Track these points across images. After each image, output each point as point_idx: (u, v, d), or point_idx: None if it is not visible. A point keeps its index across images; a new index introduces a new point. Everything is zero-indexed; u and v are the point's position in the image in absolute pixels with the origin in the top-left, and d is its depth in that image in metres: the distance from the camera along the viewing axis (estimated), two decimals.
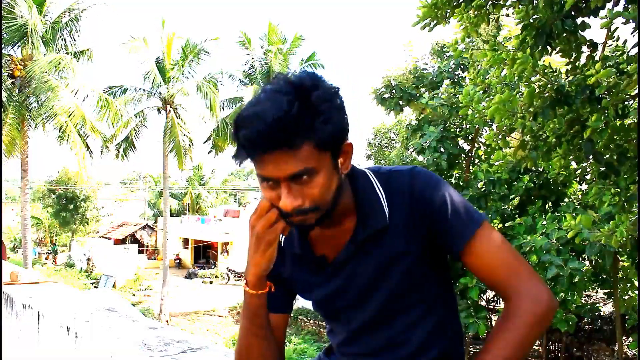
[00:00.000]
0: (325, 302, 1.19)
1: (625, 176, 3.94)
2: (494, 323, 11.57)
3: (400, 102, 9.49)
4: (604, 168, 3.93)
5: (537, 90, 3.85)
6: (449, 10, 4.03)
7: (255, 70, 22.21)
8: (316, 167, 0.95)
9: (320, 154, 0.95)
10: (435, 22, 4.07)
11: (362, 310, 1.15)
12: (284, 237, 1.16)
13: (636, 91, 3.62)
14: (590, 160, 4.11)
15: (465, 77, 9.76)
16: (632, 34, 3.55)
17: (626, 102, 3.85)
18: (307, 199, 0.97)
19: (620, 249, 5.95)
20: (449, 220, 1.06)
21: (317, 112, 0.93)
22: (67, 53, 17.27)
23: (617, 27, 3.82)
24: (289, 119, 0.90)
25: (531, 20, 3.57)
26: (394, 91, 9.48)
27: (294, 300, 1.27)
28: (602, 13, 3.51)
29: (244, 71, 22.53)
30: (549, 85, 3.81)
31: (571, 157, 4.13)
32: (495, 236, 1.07)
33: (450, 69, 9.87)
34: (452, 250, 1.08)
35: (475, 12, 4.00)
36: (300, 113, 0.91)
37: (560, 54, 3.86)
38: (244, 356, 1.17)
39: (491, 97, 4.99)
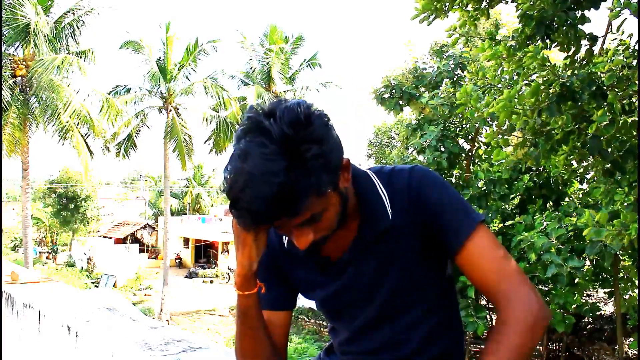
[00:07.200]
0: (328, 301, 1.19)
1: (630, 174, 3.89)
2: (494, 322, 11.54)
3: (400, 102, 9.46)
4: (609, 165, 3.87)
5: (542, 86, 3.78)
6: (447, 4, 3.99)
7: (255, 70, 22.21)
8: (322, 209, 0.94)
9: (323, 197, 0.92)
10: (434, 15, 4.00)
11: (365, 309, 1.15)
12: (287, 238, 1.15)
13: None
14: (593, 159, 4.06)
15: (464, 76, 9.74)
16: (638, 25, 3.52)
17: (632, 99, 3.81)
18: (318, 233, 0.99)
19: (621, 250, 5.95)
20: (445, 220, 1.06)
21: (314, 170, 0.87)
22: (69, 53, 17.26)
23: (626, 19, 3.73)
24: (287, 193, 0.85)
25: (534, 13, 3.51)
26: (393, 91, 9.46)
27: (297, 298, 1.27)
28: (604, 5, 3.49)
29: (244, 72, 22.54)
30: (555, 81, 3.74)
31: (576, 154, 4.07)
32: (489, 239, 1.05)
33: (450, 69, 9.86)
34: (448, 251, 1.08)
35: (475, 6, 3.96)
36: (298, 180, 0.85)
37: (559, 47, 3.82)
38: (239, 356, 1.17)
39: (493, 95, 4.93)
